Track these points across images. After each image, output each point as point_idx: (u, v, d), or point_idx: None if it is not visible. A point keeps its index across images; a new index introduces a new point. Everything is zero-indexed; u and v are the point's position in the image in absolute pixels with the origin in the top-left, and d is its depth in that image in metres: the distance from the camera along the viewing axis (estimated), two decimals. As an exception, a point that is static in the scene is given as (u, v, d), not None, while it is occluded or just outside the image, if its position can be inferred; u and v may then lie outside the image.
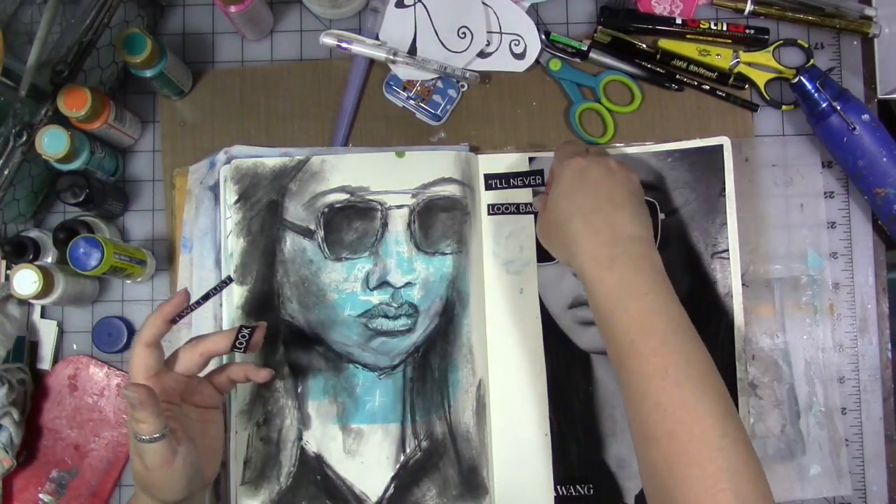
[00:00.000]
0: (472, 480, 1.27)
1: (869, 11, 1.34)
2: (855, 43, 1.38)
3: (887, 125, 1.30)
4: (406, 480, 1.27)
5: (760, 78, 1.36)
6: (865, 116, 1.27)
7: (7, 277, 1.23)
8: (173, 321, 1.12)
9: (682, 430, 0.98)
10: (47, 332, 1.34)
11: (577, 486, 1.28)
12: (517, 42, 1.36)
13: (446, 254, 1.29)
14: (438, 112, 1.35)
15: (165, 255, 1.36)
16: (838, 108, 1.27)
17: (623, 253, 1.09)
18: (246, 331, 1.11)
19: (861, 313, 1.34)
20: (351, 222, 1.28)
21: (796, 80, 1.30)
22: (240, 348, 1.11)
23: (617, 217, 1.12)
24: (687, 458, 0.97)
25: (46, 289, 1.22)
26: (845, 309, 1.34)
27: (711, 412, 0.99)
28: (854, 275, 1.35)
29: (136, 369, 1.08)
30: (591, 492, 1.28)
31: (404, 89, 1.35)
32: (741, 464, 0.96)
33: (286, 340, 1.27)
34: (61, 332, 1.35)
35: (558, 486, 1.29)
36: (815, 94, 1.29)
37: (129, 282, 1.35)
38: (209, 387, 1.15)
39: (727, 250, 1.31)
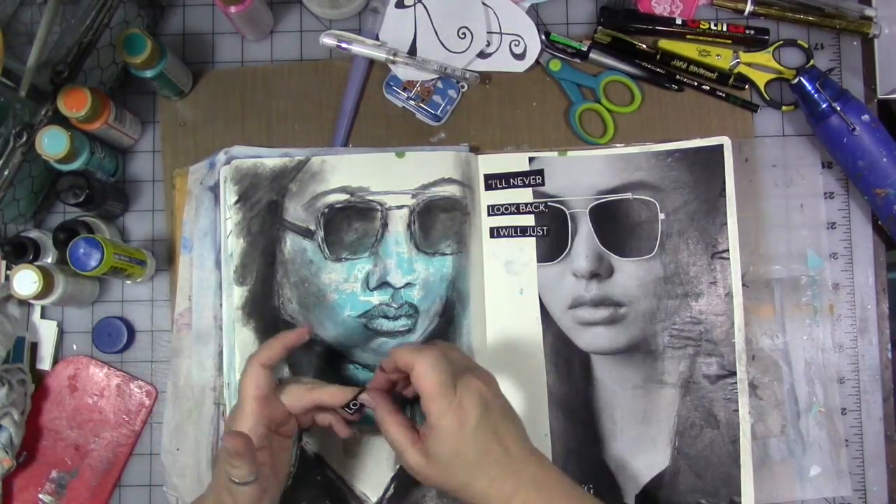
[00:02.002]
0: (472, 481, 1.26)
1: (869, 12, 1.34)
2: (855, 43, 1.38)
3: (887, 125, 1.30)
4: (406, 481, 1.27)
5: (760, 78, 1.36)
6: (865, 117, 1.27)
7: (7, 278, 1.23)
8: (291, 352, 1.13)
9: None
10: (47, 333, 1.34)
11: (577, 487, 1.29)
12: (517, 42, 1.36)
13: (446, 254, 1.29)
14: (438, 112, 1.35)
15: (165, 255, 1.36)
16: (838, 108, 1.27)
17: (530, 481, 1.05)
18: (363, 396, 1.10)
19: (861, 314, 1.34)
20: (351, 223, 1.28)
21: (796, 80, 1.30)
22: (350, 411, 1.11)
23: (518, 447, 1.07)
24: None
25: (46, 289, 1.22)
26: (845, 309, 1.34)
27: None
28: (854, 275, 1.35)
29: (248, 387, 1.10)
30: (591, 492, 1.28)
31: (404, 89, 1.35)
32: None
33: (286, 340, 1.27)
34: (61, 333, 1.35)
35: (558, 487, 1.29)
36: (815, 95, 1.28)
37: (129, 282, 1.35)
38: (293, 420, 1.14)
39: (727, 250, 1.30)
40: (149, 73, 1.26)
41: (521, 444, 1.06)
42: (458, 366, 1.07)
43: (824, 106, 1.28)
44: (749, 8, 1.36)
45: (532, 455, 1.07)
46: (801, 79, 1.29)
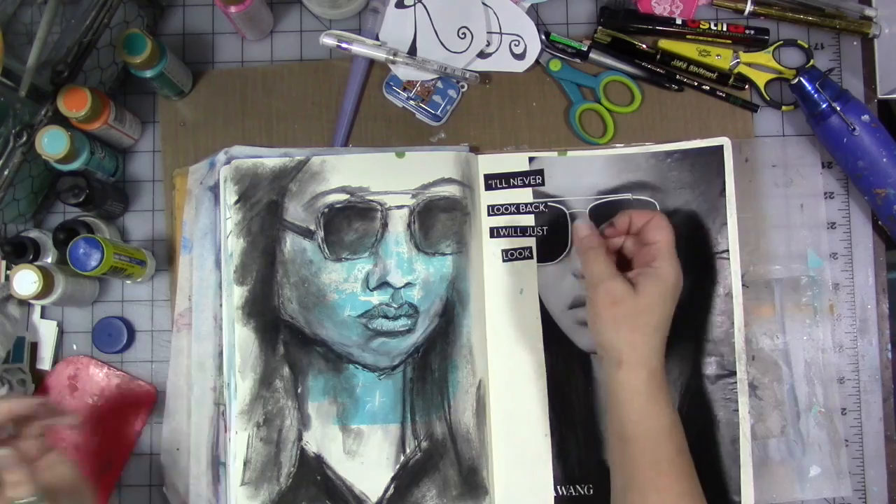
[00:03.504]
0: (472, 481, 1.27)
1: (869, 12, 1.34)
2: (855, 43, 1.38)
3: (887, 125, 1.30)
4: (406, 481, 1.27)
5: (760, 78, 1.36)
6: (865, 117, 1.27)
7: (7, 278, 1.23)
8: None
9: None
10: (47, 333, 1.34)
11: (577, 487, 1.29)
12: (517, 42, 1.36)
13: (446, 254, 1.29)
14: (438, 112, 1.35)
15: (165, 255, 1.36)
16: (838, 108, 1.27)
17: (662, 382, 1.11)
18: None
19: (861, 314, 1.34)
20: (351, 223, 1.28)
21: (796, 81, 1.30)
22: None
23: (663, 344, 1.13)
24: None
25: (46, 289, 1.22)
26: (845, 309, 1.34)
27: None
28: (854, 275, 1.35)
29: None
30: (591, 492, 1.29)
31: (404, 90, 1.35)
32: None
33: (286, 341, 1.27)
34: (61, 333, 1.35)
35: (558, 487, 1.29)
36: (815, 95, 1.28)
37: (129, 282, 1.35)
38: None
39: (727, 251, 1.30)
40: (149, 73, 1.26)
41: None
42: None
43: (824, 106, 1.28)
44: (749, 8, 1.36)
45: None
46: (801, 79, 1.29)
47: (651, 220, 1.15)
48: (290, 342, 1.28)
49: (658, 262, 1.12)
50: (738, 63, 1.35)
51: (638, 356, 1.09)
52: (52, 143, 1.20)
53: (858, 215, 1.36)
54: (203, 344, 1.30)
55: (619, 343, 1.10)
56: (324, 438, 1.27)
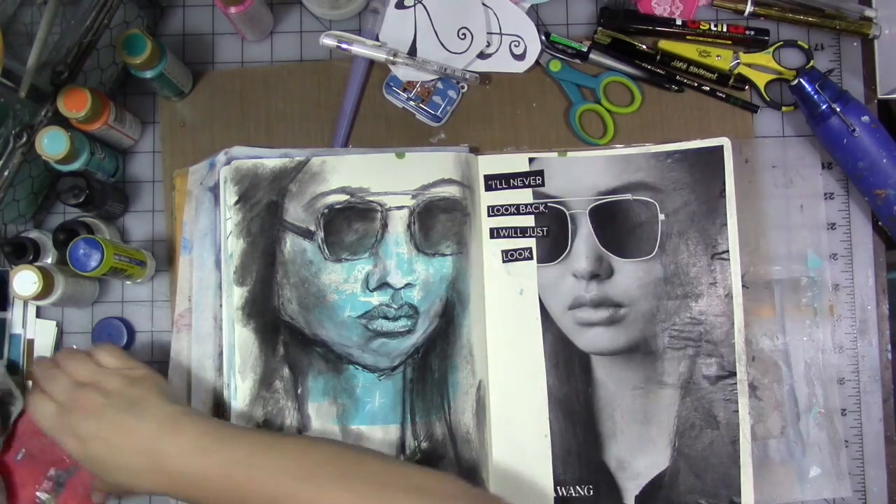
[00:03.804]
0: (472, 481, 1.26)
1: (869, 13, 1.34)
2: (855, 44, 1.38)
3: (887, 126, 1.30)
4: (406, 481, 1.26)
5: (760, 79, 1.36)
6: (865, 118, 1.27)
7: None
8: None
9: None
10: (46, 333, 1.34)
11: (577, 487, 1.29)
12: (517, 43, 1.36)
13: (446, 255, 1.29)
14: (438, 113, 1.35)
15: (165, 255, 1.36)
16: (838, 109, 1.27)
17: (166, 461, 1.07)
18: None
19: (861, 314, 1.34)
20: (351, 223, 1.28)
21: (796, 82, 1.30)
22: None
23: (139, 436, 1.09)
24: None
25: (46, 290, 1.22)
26: (845, 310, 1.34)
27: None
28: (854, 276, 1.35)
29: None
30: (591, 493, 1.29)
31: (404, 90, 1.36)
32: None
33: (286, 341, 1.27)
34: (61, 333, 1.35)
35: (558, 487, 1.29)
36: (815, 96, 1.29)
37: (128, 283, 1.35)
38: None
39: (727, 251, 1.30)
40: (149, 74, 1.26)
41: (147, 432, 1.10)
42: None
43: (824, 107, 1.28)
44: (749, 8, 1.36)
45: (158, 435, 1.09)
46: (801, 80, 1.29)
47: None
48: (290, 343, 1.28)
49: None
50: (738, 64, 1.35)
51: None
52: (52, 144, 1.20)
53: (858, 216, 1.36)
54: (203, 344, 1.30)
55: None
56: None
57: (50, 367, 1.16)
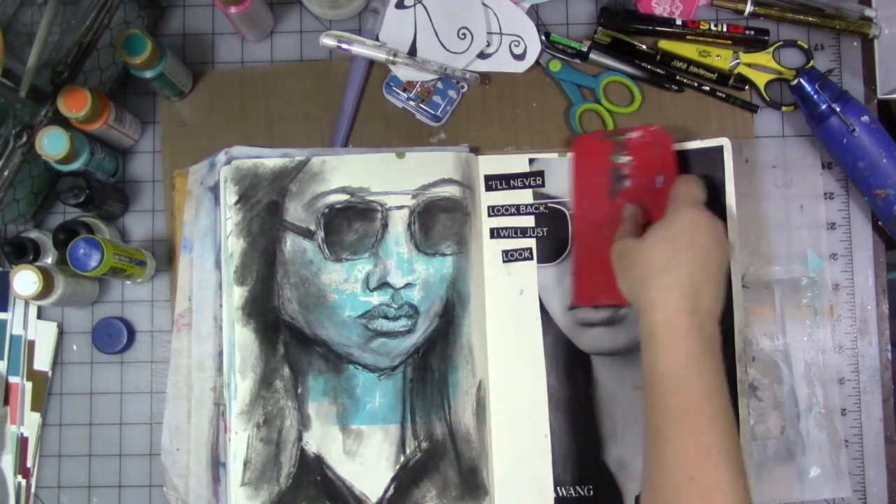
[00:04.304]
0: (472, 481, 1.27)
1: (869, 13, 1.34)
2: (855, 44, 1.38)
3: (887, 126, 1.30)
4: (406, 481, 1.27)
5: (760, 79, 1.36)
6: (865, 118, 1.27)
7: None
8: None
9: None
10: (46, 334, 1.34)
11: (577, 488, 1.29)
12: (517, 43, 1.36)
13: (446, 255, 1.29)
14: (438, 113, 1.35)
15: (165, 255, 1.36)
16: (838, 109, 1.27)
17: (699, 328, 1.07)
18: None
19: (861, 314, 1.34)
20: (351, 223, 1.28)
21: (795, 82, 1.30)
22: None
23: (705, 290, 1.09)
24: None
25: (46, 290, 1.22)
26: (845, 310, 1.34)
27: (737, 489, 1.00)
28: (854, 276, 1.35)
29: None
30: (591, 493, 1.29)
31: (404, 90, 1.35)
32: None
33: (286, 341, 1.28)
34: (61, 333, 1.35)
35: (558, 488, 1.29)
36: (815, 96, 1.28)
37: (129, 282, 1.36)
38: None
39: (727, 251, 1.30)
40: (149, 74, 1.26)
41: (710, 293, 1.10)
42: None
43: (824, 107, 1.28)
44: (749, 8, 1.36)
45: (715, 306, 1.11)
46: (801, 80, 1.29)
47: (676, 180, 1.20)
48: (290, 342, 1.28)
49: (668, 210, 1.14)
50: (737, 64, 1.35)
51: (661, 300, 1.08)
52: (52, 144, 1.20)
53: (858, 216, 1.36)
54: (203, 344, 1.30)
55: (637, 292, 1.12)
56: (324, 439, 1.27)
57: None
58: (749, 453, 1.28)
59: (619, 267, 1.17)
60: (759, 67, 1.36)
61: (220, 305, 1.29)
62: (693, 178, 1.21)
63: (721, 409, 1.04)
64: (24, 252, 1.29)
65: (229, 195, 1.28)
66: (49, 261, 1.31)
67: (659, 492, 1.04)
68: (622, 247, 1.17)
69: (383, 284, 1.28)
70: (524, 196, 1.33)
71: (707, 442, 1.02)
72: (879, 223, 1.34)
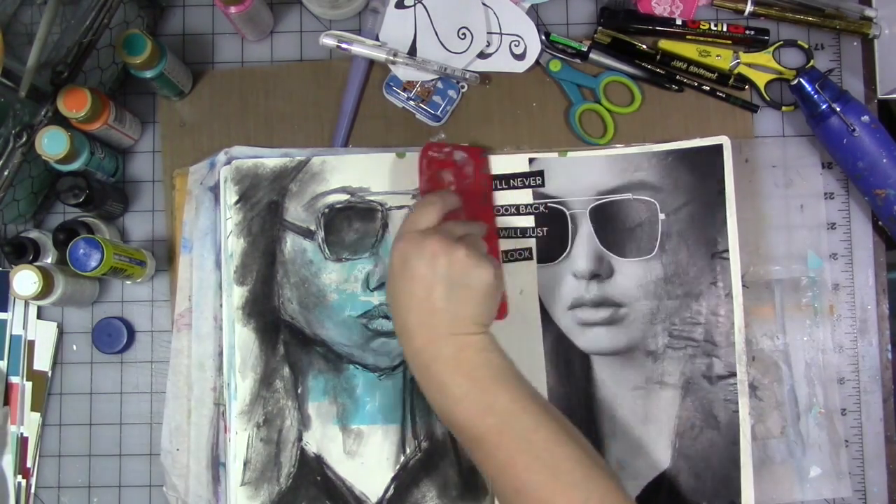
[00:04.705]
0: (472, 481, 1.27)
1: (869, 12, 1.34)
2: (855, 44, 1.38)
3: (887, 126, 1.29)
4: (406, 481, 1.27)
5: (760, 79, 1.36)
6: (865, 118, 1.27)
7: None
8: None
9: None
10: (46, 333, 1.34)
11: (577, 487, 1.29)
12: (517, 43, 1.36)
13: (446, 254, 1.28)
14: (438, 113, 1.35)
15: (165, 255, 1.36)
16: (838, 109, 1.27)
17: (435, 359, 1.06)
18: None
19: (861, 314, 1.34)
20: (351, 223, 1.28)
21: (796, 81, 1.30)
22: None
23: (432, 320, 1.07)
24: None
25: (46, 289, 1.22)
26: (845, 310, 1.34)
27: (567, 483, 0.99)
28: (854, 276, 1.35)
29: None
30: (591, 492, 1.29)
31: (404, 90, 1.35)
32: None
33: (286, 341, 1.28)
34: (61, 333, 1.35)
35: (558, 487, 1.29)
36: (815, 96, 1.28)
37: (129, 282, 1.35)
38: None
39: (727, 251, 1.30)
40: (149, 74, 1.26)
41: (444, 318, 1.08)
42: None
43: (824, 107, 1.28)
44: (749, 8, 1.36)
45: (449, 330, 1.08)
46: (801, 80, 1.29)
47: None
48: (291, 342, 1.28)
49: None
50: (738, 63, 1.35)
51: (401, 340, 1.10)
52: (52, 144, 1.20)
53: (858, 216, 1.36)
54: (203, 344, 1.30)
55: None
56: (324, 439, 1.27)
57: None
58: (749, 453, 1.28)
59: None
60: (760, 67, 1.36)
61: (221, 305, 1.29)
62: (425, 200, 1.18)
63: (503, 420, 1.03)
64: (24, 252, 1.29)
65: (229, 195, 1.28)
66: (49, 261, 1.31)
67: None
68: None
69: (383, 284, 1.28)
70: (524, 196, 1.32)
71: (506, 455, 1.02)
72: (879, 223, 1.34)
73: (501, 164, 1.34)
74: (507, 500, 1.02)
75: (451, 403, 1.04)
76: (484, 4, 1.36)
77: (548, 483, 0.99)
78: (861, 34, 1.36)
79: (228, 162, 1.30)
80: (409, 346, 1.08)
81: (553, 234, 1.32)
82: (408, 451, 1.27)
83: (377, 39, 1.35)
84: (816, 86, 1.28)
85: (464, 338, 1.06)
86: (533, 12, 1.38)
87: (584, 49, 1.35)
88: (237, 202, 1.28)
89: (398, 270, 1.09)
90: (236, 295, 1.28)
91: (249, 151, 1.31)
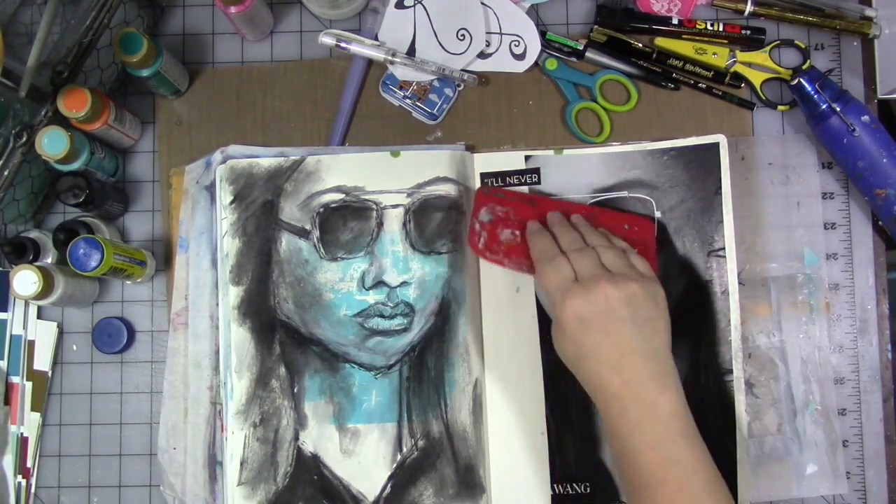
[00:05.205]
0: (469, 479, 1.27)
1: (869, 12, 1.34)
2: (855, 44, 1.38)
3: (887, 126, 1.29)
4: (403, 480, 1.27)
5: (757, 78, 1.36)
6: (865, 118, 1.27)
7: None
8: None
9: None
10: (46, 333, 1.35)
11: (574, 485, 1.28)
12: (517, 43, 1.36)
13: (442, 253, 1.29)
14: (435, 111, 1.35)
15: (165, 255, 1.36)
16: (838, 109, 1.27)
17: (632, 403, 1.06)
18: None
19: (861, 314, 1.34)
20: (346, 222, 1.28)
21: (795, 81, 1.30)
22: None
23: (625, 363, 1.07)
24: None
25: (46, 289, 1.22)
26: (845, 310, 1.34)
27: None
28: (854, 276, 1.34)
29: None
30: (588, 490, 1.28)
31: (400, 88, 1.36)
32: None
33: (282, 340, 1.28)
34: (61, 333, 1.36)
35: (555, 485, 1.29)
36: (815, 96, 1.28)
37: (129, 282, 1.36)
38: None
39: (723, 248, 1.30)
40: (145, 73, 1.26)
41: (636, 361, 1.08)
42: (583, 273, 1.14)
43: (824, 107, 1.28)
44: (749, 8, 1.36)
45: (647, 375, 1.08)
46: (801, 80, 1.29)
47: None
48: (287, 342, 1.28)
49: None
50: (734, 62, 1.35)
51: (596, 391, 1.10)
52: (52, 144, 1.20)
53: (858, 215, 1.35)
54: (199, 343, 1.30)
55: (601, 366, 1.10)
56: (320, 438, 1.27)
57: (577, 243, 1.19)
58: (746, 451, 1.28)
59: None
60: (756, 66, 1.36)
61: (217, 304, 1.29)
62: (551, 255, 1.18)
63: (686, 475, 1.03)
64: (24, 252, 1.30)
65: (224, 195, 1.29)
66: (49, 261, 1.32)
67: None
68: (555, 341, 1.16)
69: (379, 283, 1.28)
70: (520, 194, 1.33)
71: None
72: (879, 223, 1.34)
73: (498, 162, 1.34)
74: None
75: (640, 447, 1.05)
76: (483, 4, 1.36)
77: None
78: (861, 34, 1.36)
79: (224, 161, 1.30)
80: (602, 395, 1.08)
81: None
82: (404, 449, 1.27)
83: (376, 39, 1.36)
84: (816, 86, 1.28)
85: (662, 381, 1.07)
86: (533, 12, 1.38)
87: (581, 47, 1.35)
88: (232, 202, 1.28)
89: (576, 329, 1.09)
90: (232, 295, 1.28)
91: (246, 150, 1.31)
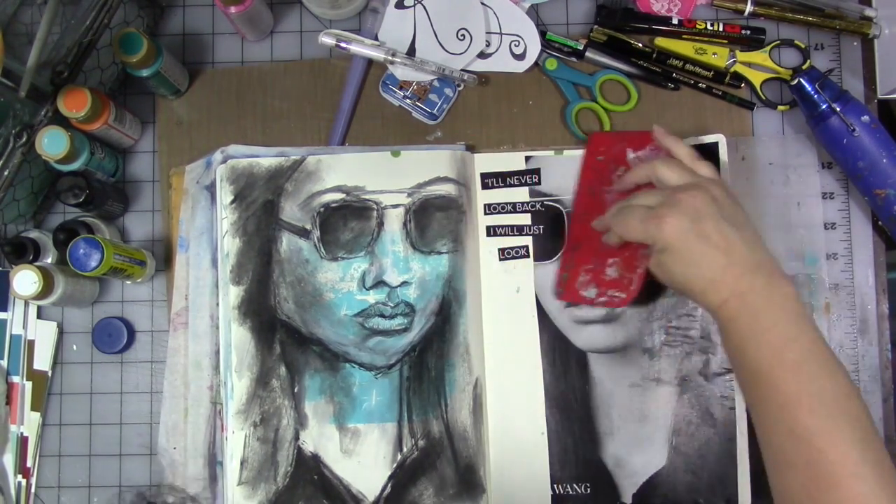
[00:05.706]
0: (469, 479, 1.27)
1: (869, 12, 1.34)
2: (855, 44, 1.38)
3: (887, 126, 1.29)
4: (403, 480, 1.27)
5: (756, 78, 1.36)
6: (865, 118, 1.27)
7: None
8: None
9: (818, 458, 0.97)
10: (46, 333, 1.35)
11: (574, 485, 1.28)
12: (517, 43, 1.36)
13: (442, 253, 1.29)
14: (435, 111, 1.35)
15: (165, 255, 1.36)
16: (838, 109, 1.27)
17: (749, 290, 1.05)
18: None
19: (861, 314, 1.34)
20: (347, 222, 1.28)
21: (795, 81, 1.29)
22: None
23: (732, 259, 1.07)
24: (825, 483, 0.96)
25: (46, 289, 1.22)
26: (845, 310, 1.34)
27: (847, 438, 0.97)
28: (854, 276, 1.34)
29: None
30: (588, 490, 1.28)
31: (401, 88, 1.36)
32: (880, 489, 0.95)
33: (282, 340, 1.28)
34: (61, 333, 1.36)
35: (555, 485, 1.29)
36: (815, 96, 1.28)
37: (129, 282, 1.36)
38: None
39: (723, 248, 1.30)
40: (145, 73, 1.26)
41: (743, 252, 1.08)
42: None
43: (824, 107, 1.28)
44: (749, 8, 1.36)
45: (754, 263, 1.08)
46: (801, 80, 1.29)
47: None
48: (287, 342, 1.28)
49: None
50: (734, 62, 1.35)
51: (712, 294, 1.08)
52: (52, 144, 1.20)
53: (858, 216, 1.35)
54: (200, 343, 1.30)
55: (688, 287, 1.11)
56: (320, 438, 1.27)
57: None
58: (746, 450, 1.28)
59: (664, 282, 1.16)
60: (756, 66, 1.36)
61: (217, 304, 1.29)
62: (665, 160, 1.19)
63: (804, 356, 1.02)
64: (24, 252, 1.30)
65: (225, 195, 1.29)
66: (49, 261, 1.32)
67: (768, 450, 1.04)
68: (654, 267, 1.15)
69: (379, 283, 1.28)
70: (520, 194, 1.33)
71: (794, 392, 1.00)
72: (879, 223, 1.34)
73: (498, 162, 1.34)
74: (773, 441, 1.02)
75: (759, 332, 1.04)
76: (483, 4, 1.36)
77: (828, 433, 0.98)
78: (861, 34, 1.36)
79: (225, 161, 1.30)
80: (717, 296, 1.07)
81: (549, 232, 1.32)
82: (404, 449, 1.27)
83: (376, 39, 1.36)
84: (816, 86, 1.28)
85: (768, 268, 1.08)
86: (533, 12, 1.38)
87: (581, 47, 1.35)
88: (232, 202, 1.28)
89: (681, 243, 1.09)
90: (232, 294, 1.28)
91: (246, 150, 1.31)
